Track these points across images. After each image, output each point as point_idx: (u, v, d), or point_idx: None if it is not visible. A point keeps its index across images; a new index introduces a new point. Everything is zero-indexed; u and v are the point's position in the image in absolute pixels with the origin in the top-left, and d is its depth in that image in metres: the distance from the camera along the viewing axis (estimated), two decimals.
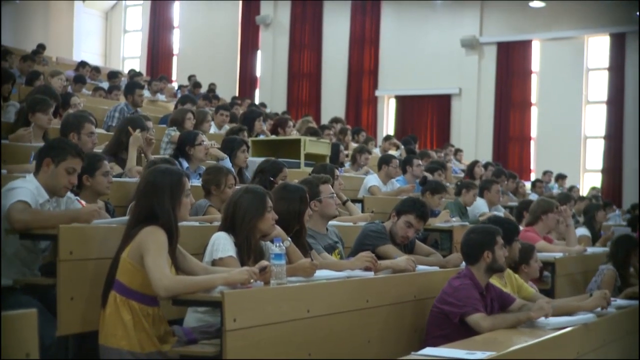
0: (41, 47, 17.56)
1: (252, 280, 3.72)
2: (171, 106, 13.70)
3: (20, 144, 6.02)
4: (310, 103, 22.51)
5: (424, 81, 20.70)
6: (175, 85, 19.87)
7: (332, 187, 5.67)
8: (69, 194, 4.47)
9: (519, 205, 8.44)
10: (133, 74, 16.83)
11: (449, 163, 13.24)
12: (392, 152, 12.32)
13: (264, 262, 3.89)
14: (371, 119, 21.77)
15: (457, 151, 15.73)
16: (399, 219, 5.71)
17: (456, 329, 4.45)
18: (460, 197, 8.76)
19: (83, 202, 4.62)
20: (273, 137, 10.18)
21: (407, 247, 5.85)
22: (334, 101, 22.08)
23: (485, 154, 18.77)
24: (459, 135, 20.12)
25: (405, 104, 21.49)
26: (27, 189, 4.14)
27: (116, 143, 6.41)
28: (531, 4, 19.40)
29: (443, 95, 20.75)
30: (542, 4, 19.31)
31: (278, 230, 4.45)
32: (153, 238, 3.71)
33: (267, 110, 16.67)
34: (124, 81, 14.63)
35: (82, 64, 15.91)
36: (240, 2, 23.71)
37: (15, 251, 4.23)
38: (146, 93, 15.57)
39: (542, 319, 4.49)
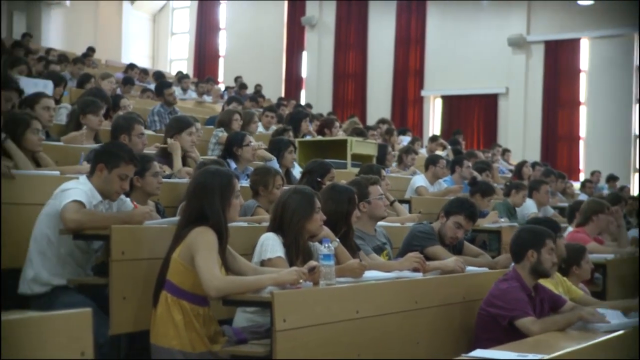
0: (91, 50, 17.78)
1: (301, 281, 3.73)
2: (218, 107, 13.80)
3: (72, 146, 6.11)
4: (355, 103, 22.50)
5: (470, 81, 20.55)
6: (221, 86, 20.01)
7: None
8: (121, 195, 4.53)
9: (572, 205, 8.31)
10: (180, 75, 16.99)
11: (496, 163, 13.13)
12: (439, 152, 12.26)
13: (312, 262, 3.89)
14: (417, 119, 21.69)
15: (505, 151, 15.60)
16: (448, 220, 5.68)
17: (505, 332, 4.40)
18: (510, 198, 8.69)
19: (136, 204, 4.67)
20: (319, 137, 10.21)
21: (456, 248, 5.82)
22: (379, 101, 22.04)
23: (533, 154, 18.56)
24: (506, 135, 19.94)
25: (452, 103, 21.37)
26: (81, 189, 4.21)
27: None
28: (579, 2, 19.14)
29: (490, 94, 20.59)
30: (590, 2, 19.05)
31: (326, 231, 4.46)
32: (203, 239, 3.74)
33: (313, 111, 16.70)
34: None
35: (131, 66, 16.10)
36: (286, 3, 23.80)
37: (69, 251, 4.30)
38: (193, 94, 15.74)
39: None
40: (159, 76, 15.76)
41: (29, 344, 1.99)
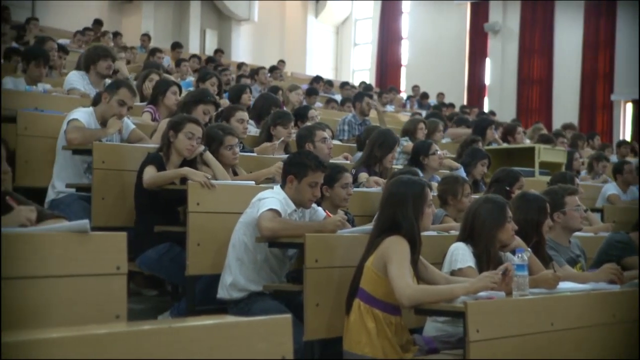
0: (281, 62, 18.18)
1: (494, 293, 3.68)
2: (400, 116, 13.84)
3: (265, 156, 6.33)
4: (540, 110, 21.94)
5: None
6: (403, 95, 20.06)
7: None
8: (313, 204, 4.65)
9: None
10: (364, 86, 17.17)
11: None
12: (630, 158, 11.75)
13: (503, 265, 3.82)
14: (606, 124, 20.88)
15: None
16: None
17: None
18: None
19: (329, 213, 4.77)
20: (505, 145, 10.05)
21: None
22: (566, 107, 21.35)
23: None
24: None
25: None
26: (276, 199, 4.36)
27: (369, 156, 6.57)
28: None
29: None
30: None
31: (518, 240, 4.39)
32: (396, 248, 3.76)
33: (497, 119, 16.40)
34: None
35: (317, 79, 16.41)
36: (468, 10, 23.57)
37: (265, 258, 4.46)
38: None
39: None
40: (345, 87, 15.98)
41: (232, 348, 2.06)
